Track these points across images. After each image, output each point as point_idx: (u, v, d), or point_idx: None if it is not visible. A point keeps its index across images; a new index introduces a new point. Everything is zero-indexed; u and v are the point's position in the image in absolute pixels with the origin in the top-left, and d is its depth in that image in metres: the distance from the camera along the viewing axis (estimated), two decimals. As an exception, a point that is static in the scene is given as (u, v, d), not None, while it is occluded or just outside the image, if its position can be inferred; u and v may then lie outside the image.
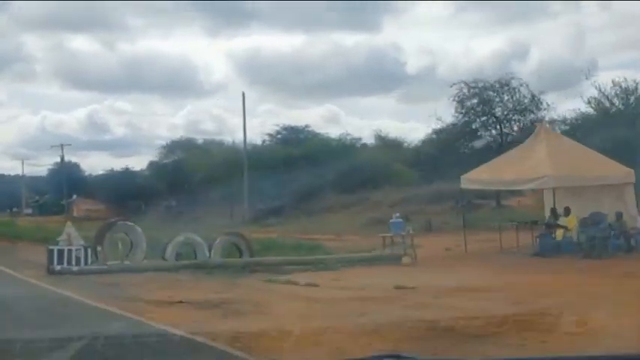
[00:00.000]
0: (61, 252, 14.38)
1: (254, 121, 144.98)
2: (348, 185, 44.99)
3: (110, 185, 72.20)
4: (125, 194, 69.78)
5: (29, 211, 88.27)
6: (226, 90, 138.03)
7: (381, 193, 42.76)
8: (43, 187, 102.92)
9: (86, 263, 14.56)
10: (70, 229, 15.68)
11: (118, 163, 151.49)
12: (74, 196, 72.80)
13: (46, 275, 14.60)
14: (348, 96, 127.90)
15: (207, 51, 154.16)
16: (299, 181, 45.51)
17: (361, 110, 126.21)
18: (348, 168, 45.81)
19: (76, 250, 14.41)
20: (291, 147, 50.42)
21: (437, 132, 44.24)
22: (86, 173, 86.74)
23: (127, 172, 73.84)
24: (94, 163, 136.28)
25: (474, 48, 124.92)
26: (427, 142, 53.77)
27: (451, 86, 39.53)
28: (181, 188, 59.45)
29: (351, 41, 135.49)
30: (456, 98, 41.09)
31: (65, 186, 72.88)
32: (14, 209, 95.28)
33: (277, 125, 56.24)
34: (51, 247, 14.99)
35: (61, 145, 73.59)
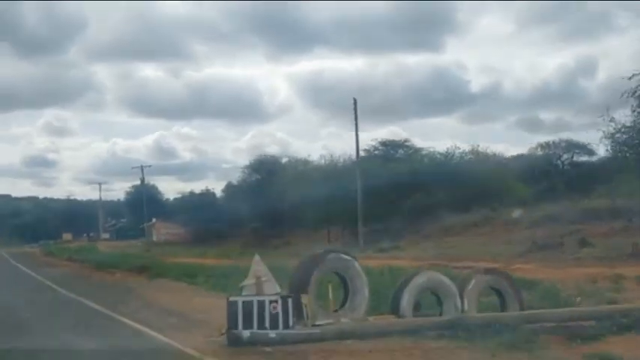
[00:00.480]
0: (247, 306, 8.44)
1: (316, 145, 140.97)
2: (462, 203, 39.28)
3: (189, 208, 68.66)
4: (205, 217, 65.94)
5: (106, 235, 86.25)
6: (289, 113, 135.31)
7: (504, 211, 36.90)
8: (119, 211, 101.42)
9: (287, 325, 8.48)
10: (259, 266, 8.78)
11: (184, 188, 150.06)
12: (153, 220, 69.54)
13: (228, 349, 8.20)
14: (411, 117, 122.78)
15: (270, 75, 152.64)
16: (408, 199, 40.19)
17: (425, 131, 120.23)
18: (461, 184, 40.16)
19: (271, 302, 8.57)
20: (395, 163, 45.22)
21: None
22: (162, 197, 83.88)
23: (205, 195, 70.17)
24: (162, 188, 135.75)
25: (538, 65, 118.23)
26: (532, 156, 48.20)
27: (630, 78, 26.40)
28: (265, 209, 54.87)
29: (413, 61, 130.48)
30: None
31: (143, 209, 69.66)
32: (91, 234, 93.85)
33: (374, 140, 51.05)
34: (233, 299, 7.98)
35: (141, 167, 70.77)
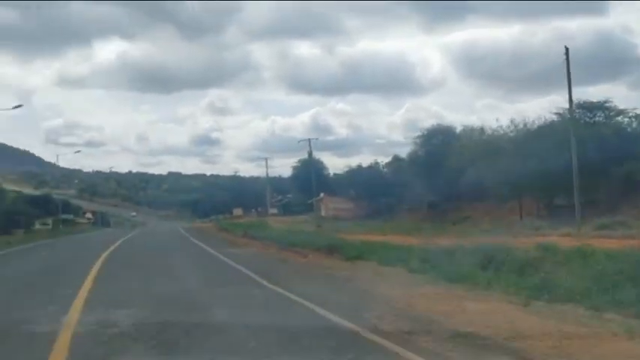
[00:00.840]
0: None
1: (472, 118, 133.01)
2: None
3: (356, 182, 66.37)
4: (374, 191, 63.20)
5: (274, 210, 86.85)
6: (443, 86, 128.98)
7: None
8: (283, 186, 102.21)
9: None
10: None
11: (340, 163, 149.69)
12: (321, 195, 68.08)
13: None
14: (573, 85, 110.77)
15: (423, 47, 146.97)
16: (620, 167, 34.38)
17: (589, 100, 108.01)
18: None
19: None
20: (596, 127, 39.11)
21: None
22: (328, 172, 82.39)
23: (373, 168, 67.47)
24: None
25: None
26: None
27: None
28: (440, 182, 50.74)
29: (574, 26, 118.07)
30: None
31: (310, 184, 68.27)
32: (259, 209, 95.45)
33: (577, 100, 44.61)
34: None
35: (309, 140, 69.31)
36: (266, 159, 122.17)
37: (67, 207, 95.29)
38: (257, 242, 28.62)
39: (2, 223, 61.26)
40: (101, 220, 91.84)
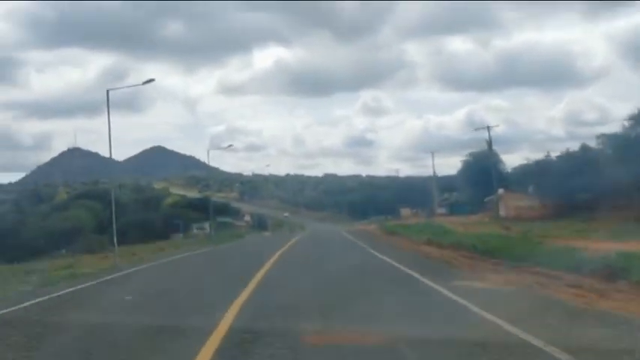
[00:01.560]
0: None
1: None
2: None
3: (545, 176, 55.88)
4: (566, 186, 52.47)
5: (442, 210, 78.21)
6: (607, 76, 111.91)
7: None
8: (445, 184, 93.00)
9: None
10: None
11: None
12: (500, 191, 58.29)
13: None
14: None
15: (586, 36, 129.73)
16: None
17: None
18: None
19: None
20: None
21: None
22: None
23: (565, 159, 56.50)
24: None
25: None
26: None
27: None
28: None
29: None
30: None
31: (488, 179, 58.73)
32: (423, 209, 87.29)
33: None
34: None
35: (487, 127, 59.94)
36: (432, 153, 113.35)
37: (226, 210, 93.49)
38: (464, 256, 19.93)
39: (161, 227, 58.92)
40: (258, 223, 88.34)
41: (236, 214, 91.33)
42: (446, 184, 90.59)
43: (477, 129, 71.52)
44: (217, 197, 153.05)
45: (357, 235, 47.44)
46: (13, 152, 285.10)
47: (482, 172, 60.75)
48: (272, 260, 21.51)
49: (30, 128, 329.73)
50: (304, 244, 37.78)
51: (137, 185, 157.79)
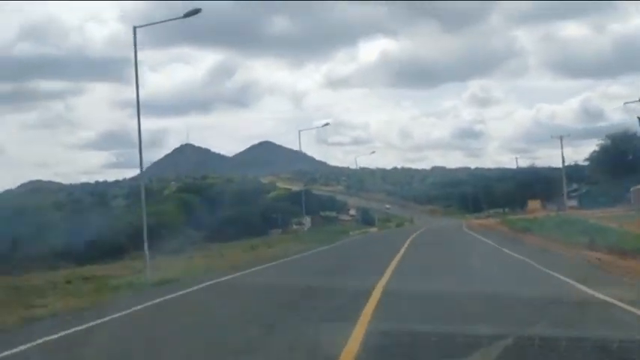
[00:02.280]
0: None
1: None
2: None
3: None
4: None
5: (573, 203, 68.46)
6: None
7: None
8: (573, 175, 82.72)
9: None
10: None
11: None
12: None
13: None
14: None
15: None
16: None
17: None
18: None
19: None
20: None
21: None
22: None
23: None
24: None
25: None
26: None
27: None
28: None
29: None
30: None
31: (625, 166, 49.24)
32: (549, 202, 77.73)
33: None
34: None
35: None
36: (560, 137, 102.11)
37: (331, 203, 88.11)
38: None
39: (260, 223, 54.26)
40: (363, 217, 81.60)
41: (341, 207, 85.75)
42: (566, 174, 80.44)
43: (626, 103, 61.17)
44: (322, 190, 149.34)
45: (483, 233, 39.50)
46: (130, 149, 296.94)
47: (624, 158, 51.29)
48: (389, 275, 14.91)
49: (146, 126, 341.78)
50: (425, 250, 27.16)
51: (244, 179, 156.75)
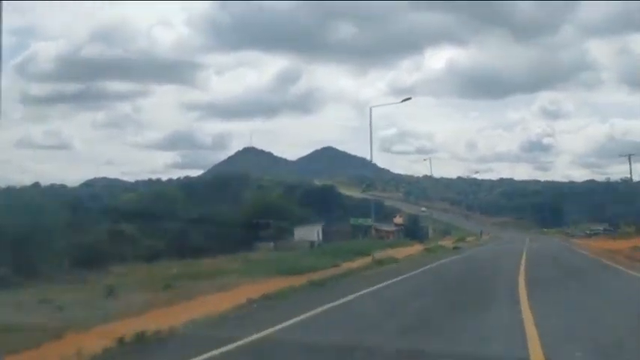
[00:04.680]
0: None
1: None
2: None
3: None
4: None
5: None
6: None
7: None
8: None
9: None
10: None
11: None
12: None
13: None
14: None
15: None
16: None
17: None
18: None
19: None
20: None
21: None
22: None
23: None
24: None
25: None
26: None
27: None
28: None
29: None
30: None
31: None
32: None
33: None
34: None
35: None
36: (629, 156, 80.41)
37: (377, 209, 68.02)
38: None
39: (245, 230, 34.96)
40: (407, 230, 57.68)
41: (391, 214, 64.87)
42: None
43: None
44: (375, 195, 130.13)
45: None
46: (195, 151, 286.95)
47: None
48: None
49: (210, 128, 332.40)
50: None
51: (298, 182, 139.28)
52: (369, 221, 43.86)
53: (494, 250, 40.25)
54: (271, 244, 32.40)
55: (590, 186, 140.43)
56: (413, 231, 53.25)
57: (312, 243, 30.72)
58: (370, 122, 35.60)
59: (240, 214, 35.60)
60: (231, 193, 43.31)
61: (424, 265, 24.71)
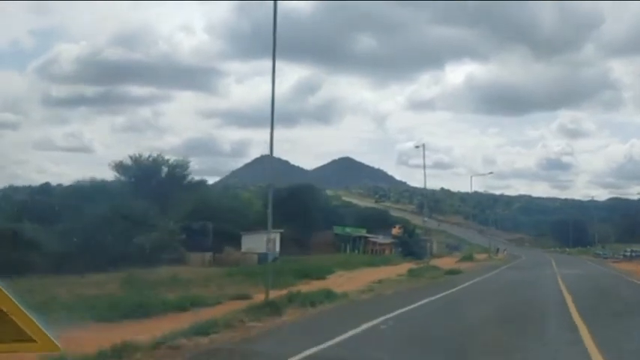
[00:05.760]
0: None
1: None
2: None
3: None
4: None
5: None
6: None
7: None
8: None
9: None
10: None
11: None
12: None
13: None
14: None
15: None
16: None
17: None
18: None
19: None
20: None
21: None
22: None
23: None
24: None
25: None
26: None
27: None
28: None
29: None
30: None
31: None
32: None
33: None
34: None
35: None
36: None
37: (382, 219, 59.34)
38: None
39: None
40: (403, 243, 45.35)
41: (389, 226, 55.54)
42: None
43: None
44: (385, 207, 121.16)
45: None
46: (213, 158, 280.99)
47: None
48: None
49: (228, 136, 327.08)
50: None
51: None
52: (362, 231, 34.79)
53: (511, 280, 26.39)
54: (208, 254, 23.70)
55: (614, 204, 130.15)
56: (410, 248, 42.26)
57: (262, 256, 21.87)
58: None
59: (177, 218, 26.99)
60: (174, 194, 33.99)
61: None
